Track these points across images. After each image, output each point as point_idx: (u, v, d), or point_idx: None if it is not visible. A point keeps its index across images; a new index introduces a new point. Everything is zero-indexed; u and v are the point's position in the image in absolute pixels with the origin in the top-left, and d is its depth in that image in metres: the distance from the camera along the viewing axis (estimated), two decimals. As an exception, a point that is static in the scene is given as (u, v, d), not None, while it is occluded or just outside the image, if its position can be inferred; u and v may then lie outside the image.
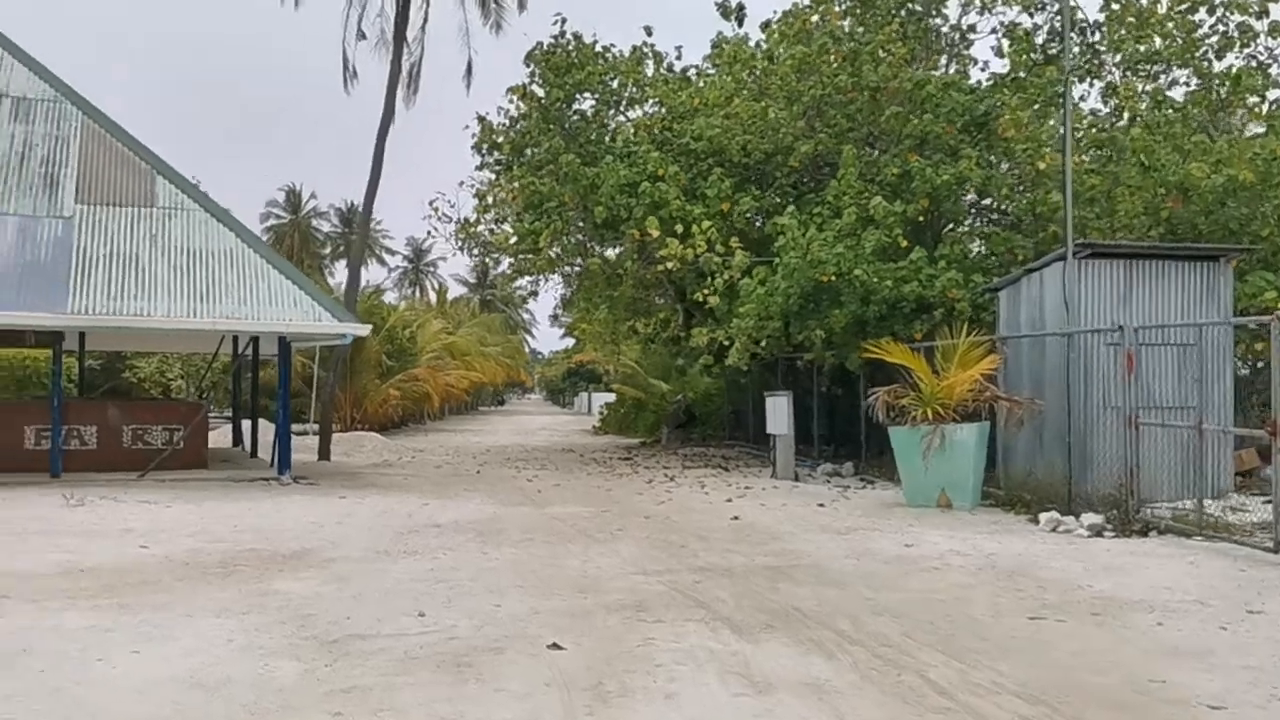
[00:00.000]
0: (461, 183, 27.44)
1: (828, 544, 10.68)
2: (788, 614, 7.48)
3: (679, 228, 18.52)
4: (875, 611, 7.55)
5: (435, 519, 12.68)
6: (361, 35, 25.03)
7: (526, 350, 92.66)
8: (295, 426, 25.13)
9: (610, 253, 26.26)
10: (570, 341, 69.64)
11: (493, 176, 26.59)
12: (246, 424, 24.00)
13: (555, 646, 6.60)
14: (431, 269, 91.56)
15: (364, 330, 18.04)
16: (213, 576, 8.81)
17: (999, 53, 21.73)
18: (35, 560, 9.39)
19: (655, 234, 18.44)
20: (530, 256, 23.15)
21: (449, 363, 45.12)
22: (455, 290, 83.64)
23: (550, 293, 32.64)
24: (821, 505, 14.07)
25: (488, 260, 31.73)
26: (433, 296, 76.37)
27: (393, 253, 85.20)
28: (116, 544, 10.42)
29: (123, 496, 14.01)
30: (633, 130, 23.32)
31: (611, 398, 51.03)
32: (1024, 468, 13.97)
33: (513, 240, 23.37)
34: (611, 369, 47.50)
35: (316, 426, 25.48)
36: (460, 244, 29.19)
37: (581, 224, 22.93)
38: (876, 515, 12.91)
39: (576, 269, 26.45)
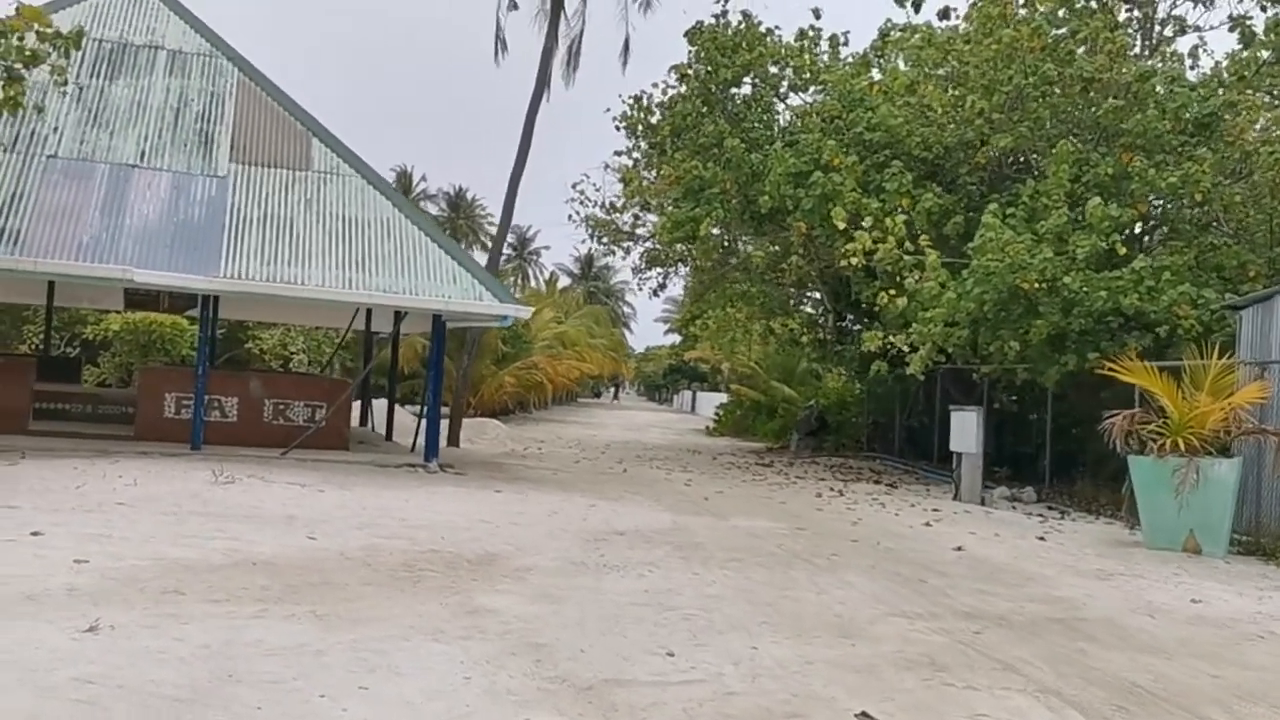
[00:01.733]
0: (606, 165, 26.15)
1: (1098, 592, 9.12)
2: (1132, 693, 6.00)
3: (866, 221, 16.93)
4: (1242, 697, 6.03)
5: (613, 525, 11.45)
6: (513, 5, 24.00)
7: (627, 344, 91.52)
8: (414, 409, 24.19)
9: (748, 247, 24.82)
10: (674, 338, 68.21)
11: (629, 163, 25.39)
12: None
13: (865, 716, 5.28)
14: (535, 257, 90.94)
15: (526, 313, 16.79)
16: (402, 582, 7.65)
17: (1192, 54, 19.93)
18: (201, 548, 8.34)
19: (841, 226, 16.84)
20: (684, 245, 21.74)
21: (562, 352, 44.08)
22: (560, 280, 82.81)
23: (676, 285, 31.13)
24: (1041, 539, 12.44)
25: (615, 249, 30.46)
26: (541, 286, 75.50)
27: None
28: (282, 533, 9.35)
29: (269, 476, 12.98)
30: (796, 118, 21.83)
31: (720, 398, 49.47)
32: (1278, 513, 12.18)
33: (667, 227, 22.01)
34: (725, 368, 45.93)
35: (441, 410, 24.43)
36: (591, 231, 28.09)
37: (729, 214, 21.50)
38: (1119, 558, 11.23)
39: (711, 263, 25.01)
